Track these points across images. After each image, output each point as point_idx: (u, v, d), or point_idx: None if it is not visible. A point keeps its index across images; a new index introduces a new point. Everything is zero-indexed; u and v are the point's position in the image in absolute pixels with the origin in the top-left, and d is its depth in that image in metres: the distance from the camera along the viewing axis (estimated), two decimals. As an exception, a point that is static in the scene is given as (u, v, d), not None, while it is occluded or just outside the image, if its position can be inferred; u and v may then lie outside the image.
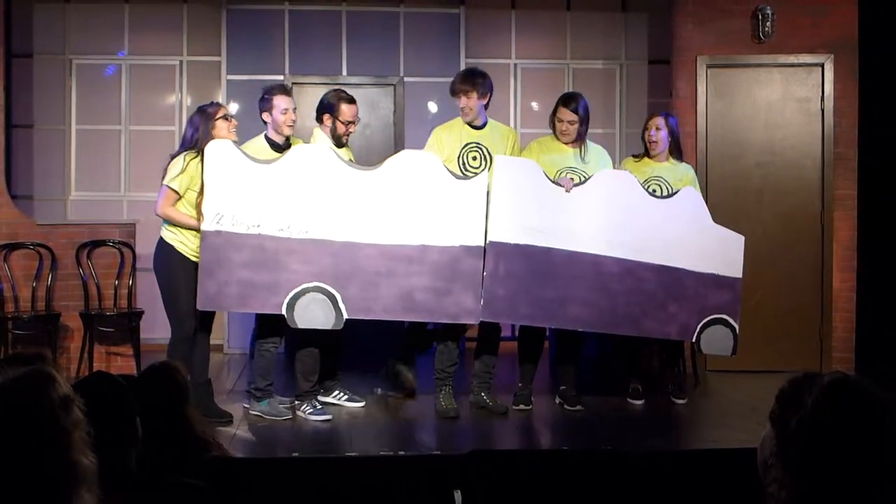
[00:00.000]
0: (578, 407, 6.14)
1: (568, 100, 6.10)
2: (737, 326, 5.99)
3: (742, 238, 6.06)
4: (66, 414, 1.66)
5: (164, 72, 8.60)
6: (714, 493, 4.02)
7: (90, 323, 7.09)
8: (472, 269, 5.59)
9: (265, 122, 5.85)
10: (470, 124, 5.91)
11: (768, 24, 7.47)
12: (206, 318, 5.82)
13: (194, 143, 5.60)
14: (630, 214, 5.83)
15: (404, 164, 5.62)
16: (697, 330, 5.93)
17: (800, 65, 7.58)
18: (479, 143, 5.87)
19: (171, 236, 5.63)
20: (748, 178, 7.50)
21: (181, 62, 8.61)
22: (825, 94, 7.55)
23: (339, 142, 5.86)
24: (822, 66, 7.54)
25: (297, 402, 5.92)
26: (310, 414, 5.81)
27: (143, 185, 8.51)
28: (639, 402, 6.29)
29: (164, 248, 5.69)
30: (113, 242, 7.39)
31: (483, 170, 5.77)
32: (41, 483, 1.60)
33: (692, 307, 5.92)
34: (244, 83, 8.39)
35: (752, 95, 7.62)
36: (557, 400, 6.26)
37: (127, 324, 7.27)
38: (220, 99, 8.45)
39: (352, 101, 5.91)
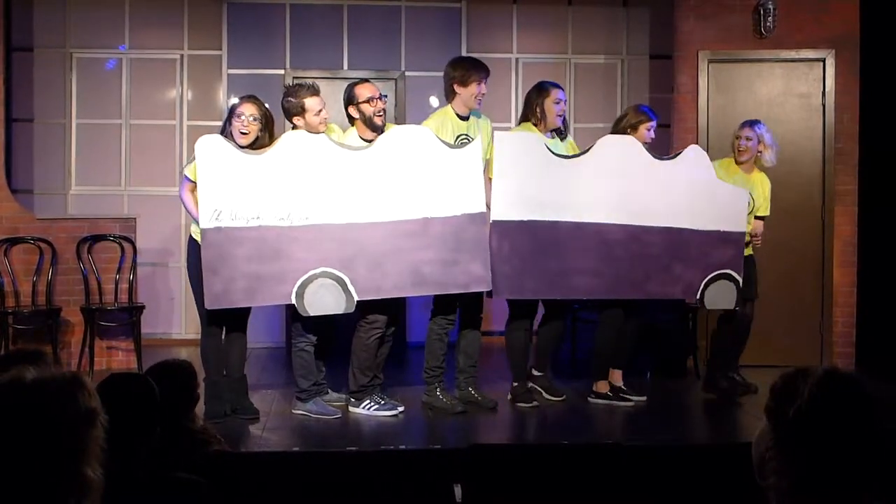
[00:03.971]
0: (563, 397, 6.19)
1: (558, 85, 6.16)
2: (740, 279, 6.03)
3: (746, 191, 6.12)
4: (88, 427, 1.65)
5: (165, 66, 8.59)
6: (714, 486, 4.03)
7: (91, 317, 7.09)
8: (477, 236, 5.58)
9: (294, 125, 5.66)
10: (458, 115, 5.91)
11: (770, 19, 7.46)
12: (241, 316, 5.76)
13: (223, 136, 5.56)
14: (634, 179, 5.85)
15: (397, 139, 5.58)
16: (701, 287, 5.97)
17: (801, 60, 7.58)
18: (467, 135, 5.87)
19: (197, 231, 5.56)
20: (749, 173, 7.48)
21: (182, 56, 8.60)
22: (826, 90, 7.54)
23: (374, 126, 5.70)
24: (824, 61, 7.53)
25: (352, 400, 5.85)
26: (375, 410, 5.76)
27: (144, 179, 8.53)
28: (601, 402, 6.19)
29: (191, 244, 5.67)
30: (113, 237, 7.39)
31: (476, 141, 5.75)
32: (49, 491, 1.60)
33: (697, 266, 5.96)
34: (245, 77, 8.39)
35: (754, 91, 7.62)
36: (529, 384, 6.22)
37: (128, 318, 7.28)
38: (221, 93, 8.46)
39: (364, 81, 5.86)
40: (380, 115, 5.72)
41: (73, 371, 1.74)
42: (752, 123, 6.42)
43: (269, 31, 8.54)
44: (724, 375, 6.35)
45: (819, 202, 7.54)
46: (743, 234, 6.07)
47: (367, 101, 5.70)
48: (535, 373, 6.25)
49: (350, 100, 5.75)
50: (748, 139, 6.30)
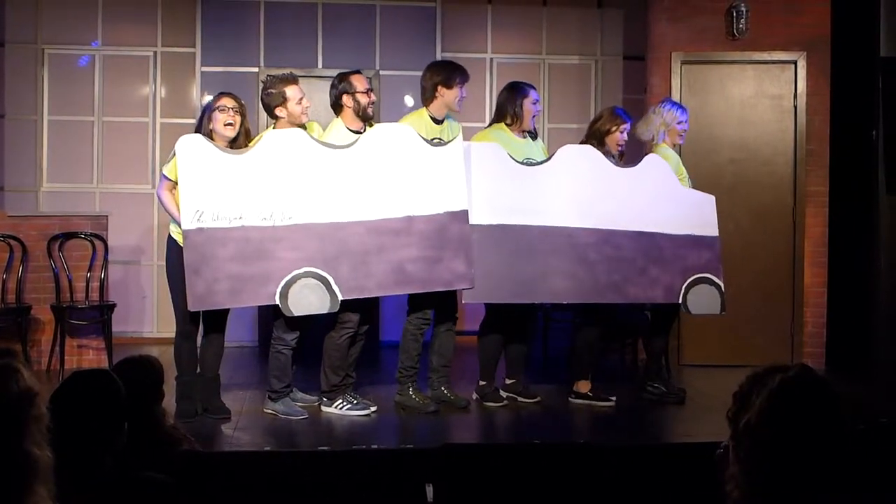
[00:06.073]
0: (538, 398, 6.17)
1: (534, 87, 6.19)
2: (722, 284, 6.02)
3: (713, 198, 6.10)
4: (27, 407, 1.66)
5: (138, 63, 8.54)
6: (684, 487, 4.04)
7: (61, 316, 7.03)
8: (460, 233, 5.59)
9: (276, 117, 5.69)
10: (433, 118, 5.92)
11: (742, 21, 7.52)
12: (220, 316, 5.71)
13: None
14: (598, 185, 5.87)
15: (379, 137, 5.59)
16: (683, 291, 5.97)
17: (773, 62, 7.64)
18: (440, 138, 5.88)
19: (176, 230, 5.53)
20: (721, 174, 7.54)
21: (155, 53, 8.55)
22: (798, 92, 7.60)
23: (367, 116, 5.76)
24: (795, 63, 7.60)
25: (325, 399, 5.84)
26: (348, 409, 5.75)
27: (116, 176, 8.47)
28: (580, 402, 6.17)
29: (170, 243, 5.63)
30: (85, 234, 7.33)
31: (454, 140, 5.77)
32: None
33: (674, 269, 5.95)
34: (218, 75, 8.35)
35: (726, 92, 7.67)
36: (505, 394, 6.22)
37: (99, 317, 7.23)
38: (195, 91, 8.42)
39: (357, 72, 5.88)
40: (372, 106, 5.81)
41: (7, 360, 1.75)
42: (683, 108, 6.42)
43: (244, 29, 8.51)
44: (663, 380, 6.35)
45: (790, 203, 7.61)
46: (717, 238, 6.07)
47: (365, 92, 5.75)
48: (507, 381, 6.26)
49: (346, 89, 5.76)
50: (686, 122, 6.32)
